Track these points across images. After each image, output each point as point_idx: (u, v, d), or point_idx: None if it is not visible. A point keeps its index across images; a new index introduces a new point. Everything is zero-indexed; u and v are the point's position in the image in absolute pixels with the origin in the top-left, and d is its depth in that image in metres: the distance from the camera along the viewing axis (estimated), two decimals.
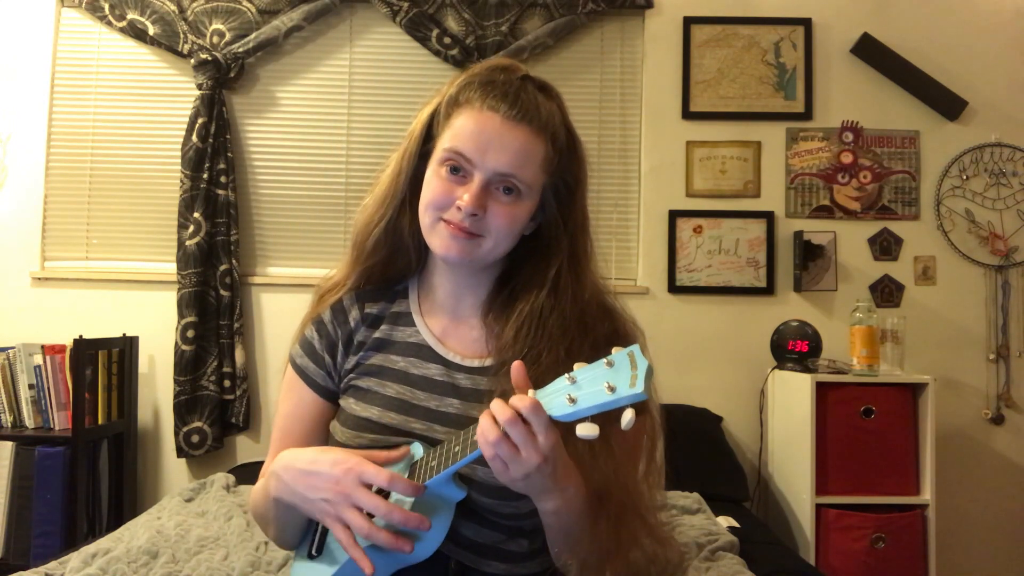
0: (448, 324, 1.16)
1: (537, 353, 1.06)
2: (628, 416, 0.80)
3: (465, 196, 1.04)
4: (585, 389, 0.83)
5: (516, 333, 1.09)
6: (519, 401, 0.87)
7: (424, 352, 1.14)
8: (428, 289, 1.19)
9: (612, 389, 0.81)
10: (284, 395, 1.22)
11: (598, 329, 1.10)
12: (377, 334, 1.17)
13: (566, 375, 0.86)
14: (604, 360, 0.84)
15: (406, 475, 1.01)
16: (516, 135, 1.05)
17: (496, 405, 0.88)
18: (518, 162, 1.04)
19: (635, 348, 0.83)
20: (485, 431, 0.88)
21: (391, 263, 1.19)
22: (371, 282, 1.21)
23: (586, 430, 0.83)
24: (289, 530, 1.15)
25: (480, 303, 1.15)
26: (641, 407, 1.08)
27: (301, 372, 1.20)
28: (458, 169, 1.06)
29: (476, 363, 1.12)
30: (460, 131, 1.06)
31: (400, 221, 1.15)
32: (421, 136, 1.12)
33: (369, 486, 0.97)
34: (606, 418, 0.84)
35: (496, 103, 1.05)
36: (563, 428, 0.88)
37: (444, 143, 1.07)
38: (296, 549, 1.17)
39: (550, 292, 1.10)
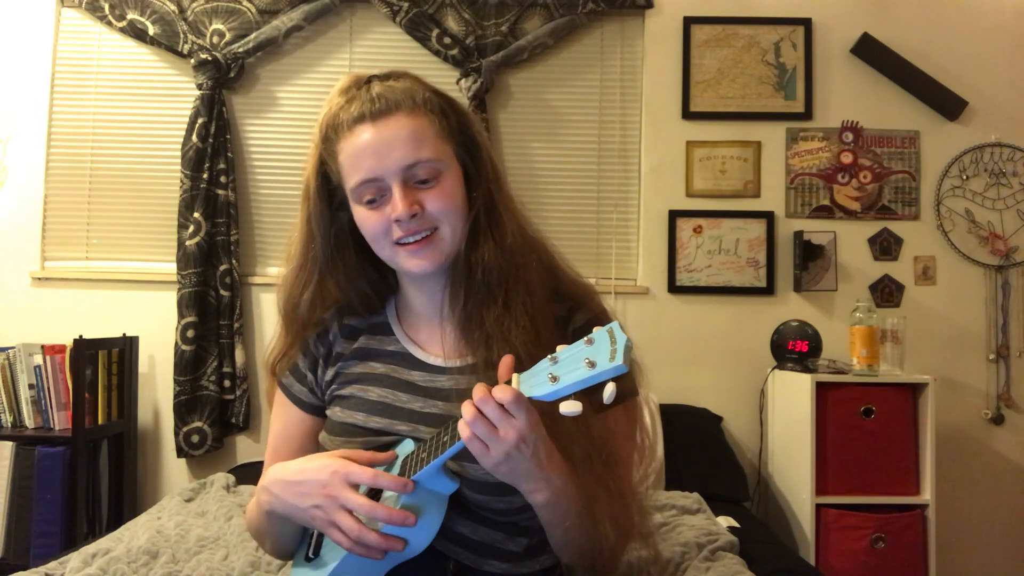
0: (430, 330, 1.16)
1: (480, 317, 1.07)
2: (610, 389, 0.82)
3: (397, 207, 1.04)
4: (566, 367, 0.84)
5: (453, 302, 1.09)
6: (496, 389, 0.89)
7: (406, 360, 1.15)
8: (405, 302, 1.20)
9: (592, 364, 0.82)
10: (274, 415, 1.23)
11: (530, 270, 1.10)
12: (356, 344, 1.18)
13: (548, 356, 0.87)
14: (584, 339, 0.85)
15: (399, 471, 1.01)
16: (394, 126, 1.05)
17: (475, 389, 0.91)
18: (412, 146, 1.04)
19: (615, 325, 0.84)
20: (463, 413, 0.90)
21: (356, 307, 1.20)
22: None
23: (569, 407, 0.84)
24: (284, 540, 1.15)
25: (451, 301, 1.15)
26: (629, 391, 1.09)
27: (287, 391, 1.21)
28: (373, 200, 1.06)
29: (459, 363, 1.11)
30: (350, 160, 1.06)
31: (325, 286, 1.15)
32: (321, 192, 1.12)
33: (357, 487, 0.98)
34: (593, 405, 0.85)
35: (359, 114, 1.06)
36: (548, 408, 0.89)
37: (349, 183, 1.07)
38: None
39: (469, 249, 1.09)
